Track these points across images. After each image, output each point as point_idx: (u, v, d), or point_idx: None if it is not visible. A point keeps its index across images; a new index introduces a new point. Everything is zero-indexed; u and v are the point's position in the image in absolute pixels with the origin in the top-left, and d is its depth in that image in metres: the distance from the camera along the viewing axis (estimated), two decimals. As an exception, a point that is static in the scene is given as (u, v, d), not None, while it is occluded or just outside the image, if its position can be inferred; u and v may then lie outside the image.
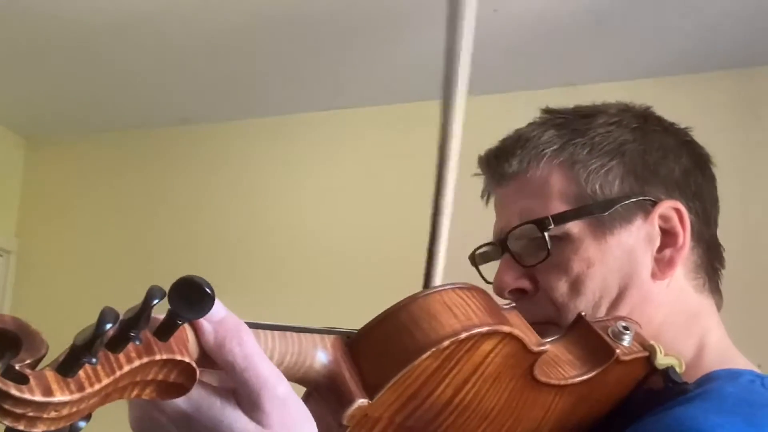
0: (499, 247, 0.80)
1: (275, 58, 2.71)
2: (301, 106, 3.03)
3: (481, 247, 0.84)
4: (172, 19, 2.49)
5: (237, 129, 3.14)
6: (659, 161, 0.78)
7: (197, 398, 0.48)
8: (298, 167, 3.06)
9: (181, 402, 0.48)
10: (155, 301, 0.42)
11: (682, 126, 0.84)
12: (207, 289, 0.43)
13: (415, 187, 2.94)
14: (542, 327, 0.76)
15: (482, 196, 0.85)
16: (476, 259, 0.84)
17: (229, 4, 2.41)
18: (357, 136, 3.03)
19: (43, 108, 3.12)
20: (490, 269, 0.83)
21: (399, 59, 2.70)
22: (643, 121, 0.81)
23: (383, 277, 2.76)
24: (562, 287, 0.75)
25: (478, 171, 0.85)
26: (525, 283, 0.77)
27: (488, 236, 0.84)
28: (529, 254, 0.77)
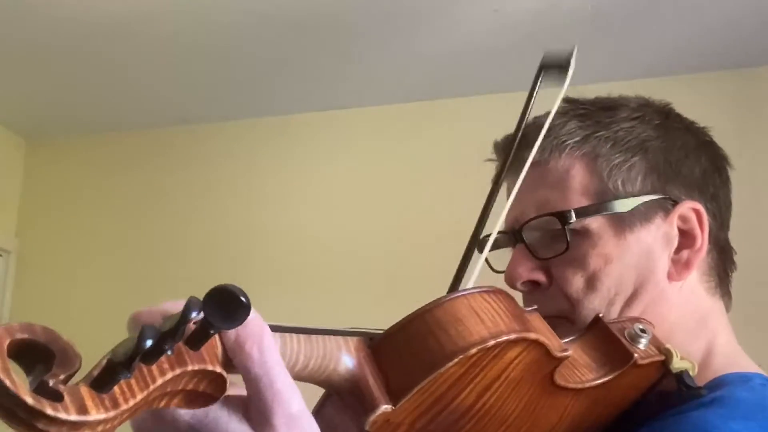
0: (513, 236, 0.78)
1: (276, 58, 2.71)
2: (302, 106, 3.03)
3: (490, 234, 0.83)
4: (172, 19, 2.48)
5: (237, 129, 3.14)
6: (681, 160, 0.77)
7: (204, 409, 0.46)
8: (298, 167, 3.05)
9: (184, 413, 0.46)
10: (194, 314, 0.40)
11: (702, 126, 0.83)
12: (243, 299, 0.41)
13: (417, 187, 2.93)
14: (554, 321, 0.75)
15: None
16: (484, 247, 0.83)
17: (229, 4, 2.41)
18: (358, 136, 3.03)
19: (43, 108, 3.12)
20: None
21: (400, 59, 2.70)
22: (665, 118, 0.80)
23: (383, 277, 2.76)
24: (577, 282, 0.74)
25: (492, 156, 0.82)
26: (539, 276, 0.76)
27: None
28: (544, 246, 0.75)
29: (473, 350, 0.51)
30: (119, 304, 3.08)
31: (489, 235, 0.81)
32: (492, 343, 0.52)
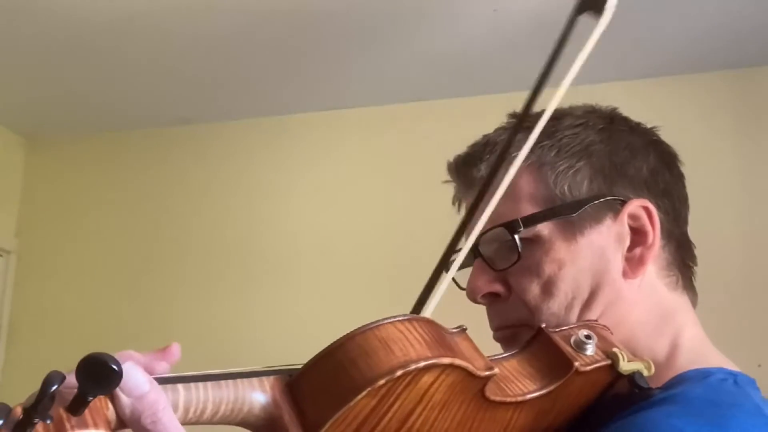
0: (471, 252, 0.78)
1: (276, 58, 2.71)
2: (301, 106, 3.03)
3: (454, 253, 0.84)
4: (172, 18, 2.49)
5: (237, 129, 3.14)
6: (626, 161, 0.79)
7: None
8: (298, 167, 3.06)
9: None
10: (53, 388, 0.42)
11: (649, 126, 0.84)
12: (113, 366, 0.43)
13: (417, 187, 2.93)
14: (515, 330, 0.77)
15: (453, 203, 0.85)
16: (447, 266, 0.84)
17: (230, 3, 2.41)
18: (357, 136, 3.03)
19: (43, 108, 3.12)
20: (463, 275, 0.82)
21: (400, 59, 2.70)
22: (609, 122, 0.81)
23: (383, 277, 2.76)
24: (534, 289, 0.75)
25: (448, 178, 0.85)
26: (498, 287, 0.77)
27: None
28: (500, 258, 0.77)
29: (381, 381, 0.52)
30: (119, 304, 3.09)
31: (455, 253, 0.82)
32: (400, 372, 0.52)
